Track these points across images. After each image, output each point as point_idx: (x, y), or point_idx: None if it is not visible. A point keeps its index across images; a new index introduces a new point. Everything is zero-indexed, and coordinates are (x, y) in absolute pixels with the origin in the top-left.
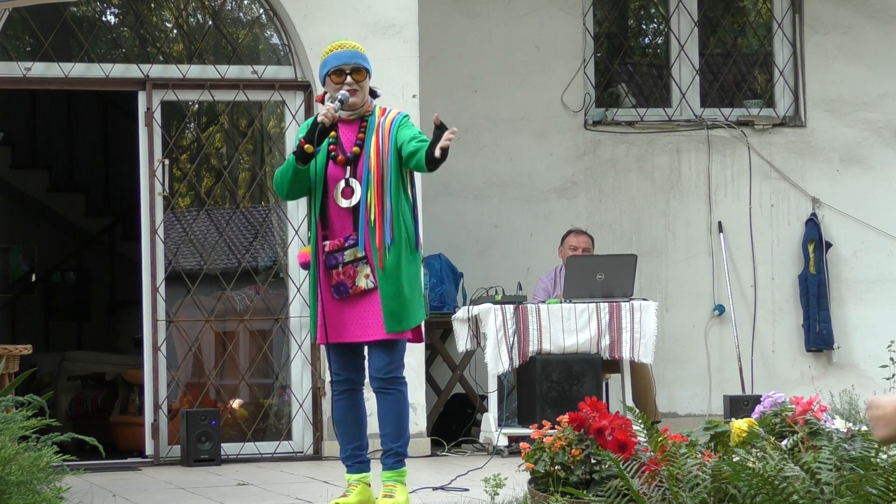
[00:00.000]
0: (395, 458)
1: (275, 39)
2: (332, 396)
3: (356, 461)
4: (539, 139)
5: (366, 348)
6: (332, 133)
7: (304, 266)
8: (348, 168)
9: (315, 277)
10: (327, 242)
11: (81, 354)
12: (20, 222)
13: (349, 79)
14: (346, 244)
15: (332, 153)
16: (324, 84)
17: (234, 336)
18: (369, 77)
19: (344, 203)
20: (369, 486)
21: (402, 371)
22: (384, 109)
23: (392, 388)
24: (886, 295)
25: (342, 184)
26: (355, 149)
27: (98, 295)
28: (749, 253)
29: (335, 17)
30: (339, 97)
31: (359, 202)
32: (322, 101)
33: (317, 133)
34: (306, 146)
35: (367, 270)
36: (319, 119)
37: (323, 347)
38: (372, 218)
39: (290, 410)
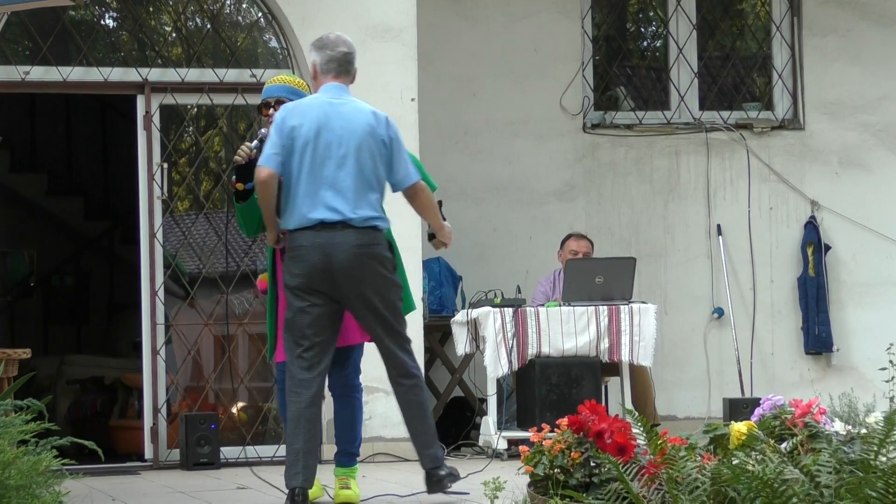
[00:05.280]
0: (349, 457)
1: (273, 43)
2: (280, 397)
3: None
4: (538, 142)
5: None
6: None
7: (263, 293)
8: None
9: (271, 300)
10: None
11: (80, 358)
12: (19, 226)
13: (272, 111)
14: None
15: None
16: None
17: (233, 339)
18: None
19: None
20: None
21: (358, 379)
22: None
23: (351, 395)
24: (885, 297)
25: None
26: None
27: (97, 298)
28: (748, 256)
29: (333, 21)
30: (259, 136)
31: None
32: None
33: (237, 171)
34: (237, 185)
35: None
36: (234, 158)
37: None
38: None
39: None
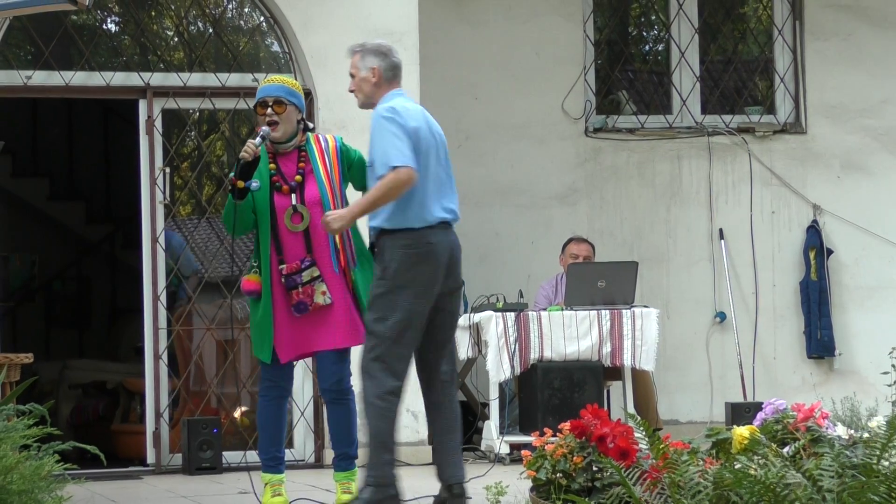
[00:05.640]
0: (349, 460)
1: (275, 47)
2: (262, 402)
3: (279, 463)
4: (540, 146)
5: (297, 363)
6: (272, 165)
7: (251, 294)
8: (293, 195)
9: (269, 302)
10: (283, 266)
11: (82, 363)
12: (21, 230)
13: (270, 110)
14: (303, 266)
15: (276, 184)
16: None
17: (235, 344)
18: (298, 110)
19: (294, 227)
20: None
21: (350, 382)
22: (317, 137)
23: (345, 398)
24: (888, 302)
25: (290, 210)
26: (297, 177)
27: (99, 303)
28: (750, 260)
29: (336, 25)
30: (262, 133)
31: (308, 225)
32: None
33: (240, 168)
34: (237, 182)
35: (324, 287)
36: (241, 155)
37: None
38: (338, 240)
39: (292, 419)
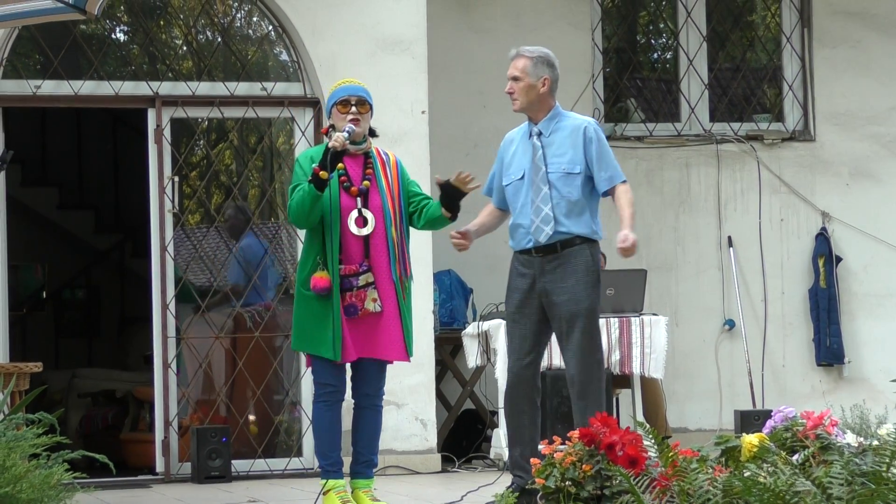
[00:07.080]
0: (372, 467)
1: (284, 56)
2: (320, 406)
3: (340, 467)
4: None
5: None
6: (340, 165)
7: (322, 291)
8: (359, 199)
9: (337, 300)
10: (342, 266)
11: (92, 371)
12: (30, 240)
13: (353, 108)
14: (361, 269)
15: (345, 184)
16: (329, 115)
17: (244, 352)
18: (371, 114)
19: (358, 231)
20: None
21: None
22: (378, 149)
23: (380, 405)
24: None
25: (355, 213)
26: (366, 182)
27: (108, 312)
28: (759, 267)
29: (344, 34)
30: (347, 129)
31: (371, 231)
32: (327, 133)
33: (329, 158)
34: (321, 173)
35: (375, 295)
36: (331, 145)
37: (306, 358)
38: (396, 251)
39: (301, 427)
